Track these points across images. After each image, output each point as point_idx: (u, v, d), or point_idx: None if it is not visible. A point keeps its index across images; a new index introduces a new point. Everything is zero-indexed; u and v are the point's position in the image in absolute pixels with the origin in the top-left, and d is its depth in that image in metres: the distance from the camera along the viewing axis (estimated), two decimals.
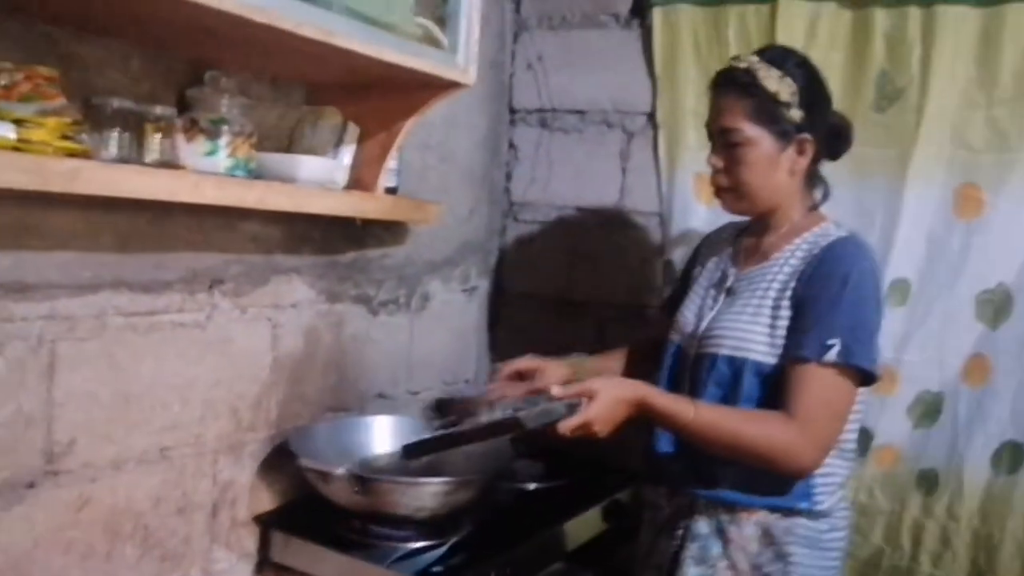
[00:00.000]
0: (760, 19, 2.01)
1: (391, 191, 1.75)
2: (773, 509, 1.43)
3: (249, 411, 1.63)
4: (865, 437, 1.93)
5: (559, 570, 1.74)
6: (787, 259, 1.46)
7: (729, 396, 1.43)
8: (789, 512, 1.43)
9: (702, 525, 1.48)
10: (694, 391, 1.48)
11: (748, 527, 1.44)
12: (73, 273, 1.28)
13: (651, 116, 2.16)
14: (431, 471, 1.58)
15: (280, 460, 1.66)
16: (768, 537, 1.43)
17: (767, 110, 1.42)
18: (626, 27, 2.19)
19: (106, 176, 1.10)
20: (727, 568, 1.45)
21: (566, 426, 1.30)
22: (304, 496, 1.66)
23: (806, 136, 1.45)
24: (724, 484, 1.44)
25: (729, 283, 1.54)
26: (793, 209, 1.50)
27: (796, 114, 1.43)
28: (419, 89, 1.54)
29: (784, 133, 1.44)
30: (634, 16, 2.18)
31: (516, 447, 1.70)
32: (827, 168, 1.92)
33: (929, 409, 1.90)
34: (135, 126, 1.26)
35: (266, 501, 1.69)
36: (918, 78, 1.86)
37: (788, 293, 1.42)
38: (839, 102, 1.92)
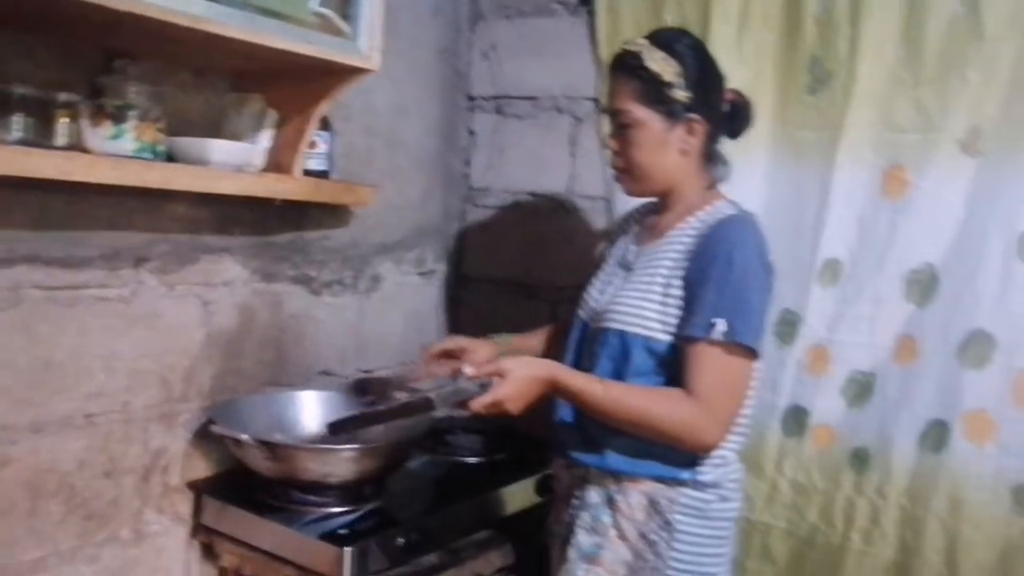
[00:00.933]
0: (697, 4, 2.04)
1: (321, 174, 1.83)
2: (658, 479, 1.47)
3: (180, 382, 1.72)
4: (802, 416, 1.96)
5: (482, 539, 1.80)
6: (679, 237, 1.50)
7: (620, 370, 1.47)
8: (673, 482, 1.47)
9: (593, 495, 1.52)
10: (591, 365, 1.53)
11: (635, 496, 1.48)
12: None
13: (597, 101, 2.20)
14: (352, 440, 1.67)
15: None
16: (654, 506, 1.47)
17: (653, 91, 1.46)
18: (574, 14, 2.23)
19: None
20: (616, 537, 1.49)
21: (478, 404, 1.36)
22: (237, 465, 1.75)
23: (695, 116, 1.48)
24: (612, 454, 1.48)
25: (629, 260, 1.58)
26: (689, 188, 1.54)
27: (682, 94, 1.46)
28: (326, 76, 1.62)
29: (671, 113, 1.47)
30: (582, 3, 2.22)
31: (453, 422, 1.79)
32: (763, 149, 1.98)
33: (861, 389, 1.91)
34: (41, 112, 1.36)
35: (201, 469, 1.78)
36: (847, 60, 1.87)
37: (680, 272, 1.46)
38: (773, 85, 1.97)
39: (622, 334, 1.48)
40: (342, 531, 1.57)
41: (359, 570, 1.53)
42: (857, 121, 1.86)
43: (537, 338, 1.85)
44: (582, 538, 1.52)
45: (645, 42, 1.48)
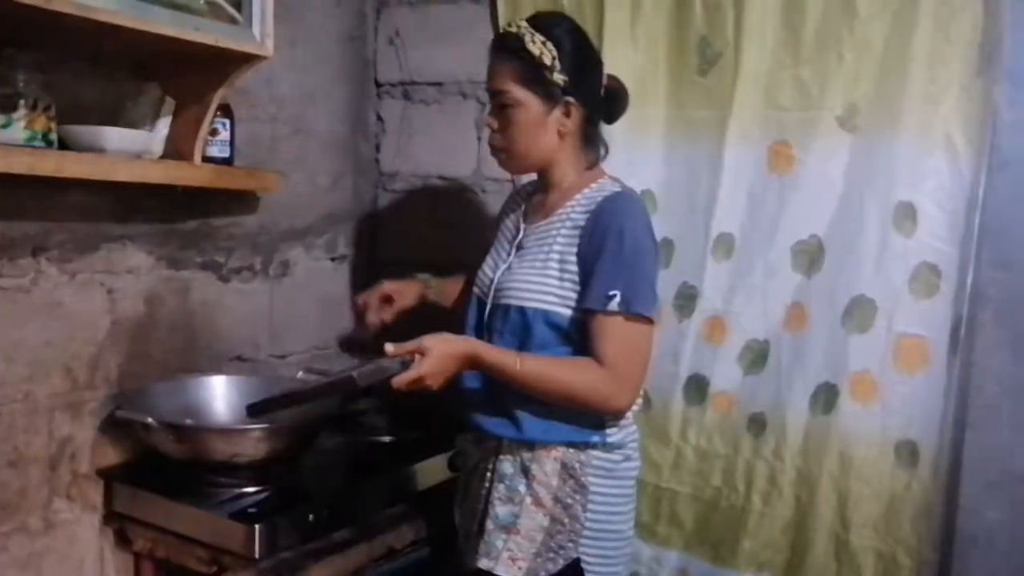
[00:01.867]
0: None
1: (224, 161, 1.84)
2: (570, 444, 1.54)
3: (85, 371, 1.73)
4: (702, 385, 2.04)
5: (395, 514, 1.84)
6: (568, 215, 1.57)
7: (523, 344, 1.54)
8: (584, 446, 1.55)
9: (507, 465, 1.58)
10: (491, 340, 1.59)
11: (549, 463, 1.55)
12: None
13: None
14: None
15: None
16: (567, 470, 1.54)
17: (532, 73, 1.52)
18: (476, 1, 2.27)
19: None
20: (532, 504, 1.55)
21: (400, 381, 1.41)
22: (149, 451, 1.76)
23: (571, 99, 1.55)
24: (525, 424, 1.54)
25: (519, 238, 1.64)
26: (569, 168, 1.61)
27: (560, 78, 1.53)
28: (221, 63, 1.64)
29: (550, 96, 1.54)
30: None
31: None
32: (658, 131, 2.04)
33: (757, 356, 2.00)
34: None
35: (111, 456, 1.79)
36: (732, 42, 1.95)
37: (574, 249, 1.53)
38: (665, 67, 2.04)
39: (522, 309, 1.54)
40: (252, 509, 1.60)
41: (269, 547, 1.56)
42: (744, 100, 1.94)
43: (456, 282, 1.94)
44: (499, 509, 1.56)
45: (526, 25, 1.54)
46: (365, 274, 2.45)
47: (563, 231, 1.55)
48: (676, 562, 2.08)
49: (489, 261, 1.68)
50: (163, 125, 1.69)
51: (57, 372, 1.67)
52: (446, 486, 1.93)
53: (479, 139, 2.31)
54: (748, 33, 1.92)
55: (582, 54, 1.57)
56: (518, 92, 1.52)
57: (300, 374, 1.95)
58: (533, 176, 1.71)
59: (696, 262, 2.01)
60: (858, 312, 1.87)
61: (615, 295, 1.45)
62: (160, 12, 1.43)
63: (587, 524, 1.54)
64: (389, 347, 1.44)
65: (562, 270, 1.52)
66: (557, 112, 1.54)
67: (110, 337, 1.76)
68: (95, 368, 1.74)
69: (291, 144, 2.16)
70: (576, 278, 1.52)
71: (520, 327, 1.54)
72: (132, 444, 1.81)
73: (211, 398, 1.87)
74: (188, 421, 1.68)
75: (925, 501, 1.83)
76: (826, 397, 1.91)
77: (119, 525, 1.77)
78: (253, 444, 1.62)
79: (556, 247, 1.54)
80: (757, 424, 2.00)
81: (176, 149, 1.71)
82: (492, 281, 1.63)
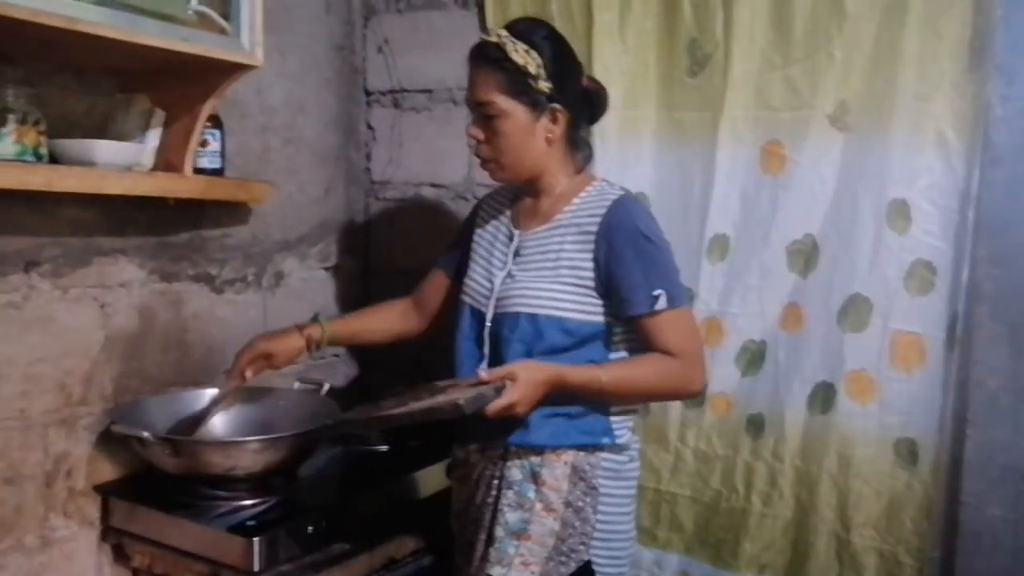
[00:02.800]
0: None
1: (215, 172, 1.83)
2: (580, 447, 1.55)
3: (80, 386, 1.71)
4: None
5: (394, 523, 1.83)
6: (571, 220, 1.57)
7: (532, 351, 1.54)
8: (595, 448, 1.56)
9: (515, 472, 1.57)
10: (497, 348, 1.58)
11: (559, 467, 1.54)
12: None
13: None
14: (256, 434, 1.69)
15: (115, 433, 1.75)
16: (578, 473, 1.54)
17: (517, 83, 1.51)
18: (464, 7, 2.27)
19: None
20: (543, 509, 1.54)
21: (493, 408, 1.39)
22: (145, 466, 1.75)
23: (557, 106, 1.55)
24: (535, 430, 1.54)
25: (515, 245, 1.63)
26: (559, 173, 1.61)
27: (545, 85, 1.52)
28: (211, 73, 1.63)
29: (536, 103, 1.53)
30: None
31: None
32: (649, 133, 2.04)
33: (754, 357, 1.99)
34: None
35: (107, 471, 1.78)
36: (722, 43, 1.94)
37: (588, 255, 1.53)
38: (655, 69, 2.04)
39: (534, 317, 1.53)
40: (250, 522, 1.59)
41: (269, 560, 1.55)
42: (735, 101, 1.94)
43: (360, 320, 1.90)
44: (509, 515, 1.55)
45: (506, 33, 1.53)
46: (358, 283, 2.45)
47: (569, 237, 1.55)
48: (677, 565, 2.07)
49: (479, 269, 1.67)
50: (153, 137, 1.68)
51: (51, 388, 1.66)
52: (444, 495, 1.92)
53: (469, 146, 2.30)
54: (737, 34, 1.92)
55: (565, 59, 1.57)
56: (504, 103, 1.52)
57: (296, 384, 1.93)
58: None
59: (691, 264, 2.00)
60: (854, 310, 1.87)
61: (660, 294, 1.49)
62: (147, 23, 1.42)
63: (597, 526, 1.54)
64: (483, 373, 1.43)
65: (575, 276, 1.53)
66: (544, 119, 1.54)
67: (104, 352, 1.75)
68: (89, 383, 1.73)
69: (282, 154, 2.16)
70: (591, 283, 1.53)
71: (531, 334, 1.54)
72: (128, 459, 1.80)
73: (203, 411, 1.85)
74: (151, 432, 1.64)
75: (926, 499, 1.82)
76: (824, 396, 1.91)
77: (117, 541, 1.76)
78: (250, 457, 1.61)
79: (565, 253, 1.54)
80: (755, 425, 2.00)
81: (167, 161, 1.70)
82: (491, 290, 1.61)
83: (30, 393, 1.62)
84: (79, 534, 1.73)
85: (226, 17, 1.56)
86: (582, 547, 1.53)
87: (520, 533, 1.52)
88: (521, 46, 1.50)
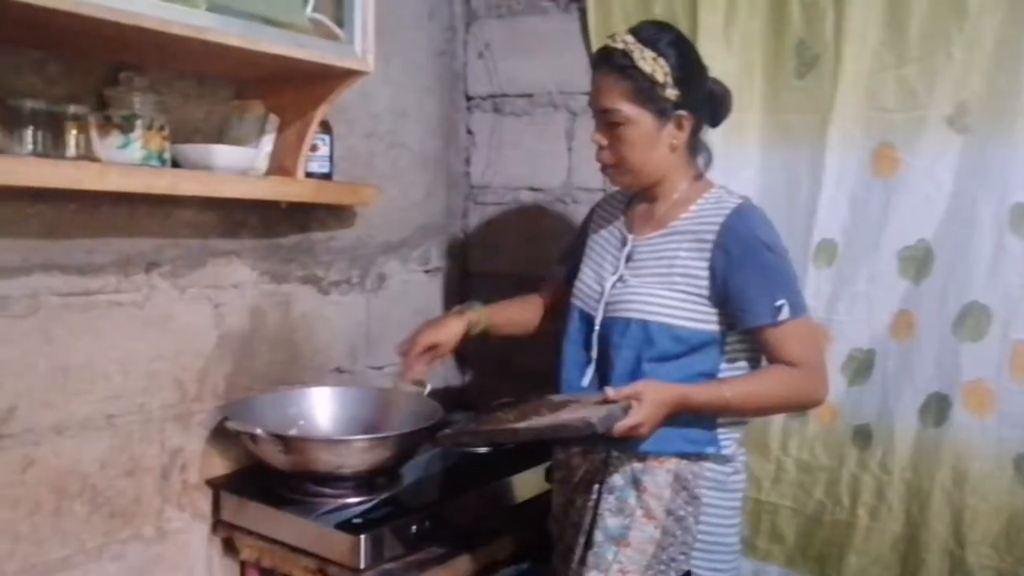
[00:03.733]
0: None
1: (324, 176, 1.88)
2: (683, 455, 1.53)
3: (195, 383, 1.78)
4: None
5: (494, 526, 1.84)
6: (687, 226, 1.55)
7: (642, 357, 1.52)
8: (698, 457, 1.53)
9: (617, 478, 1.56)
10: (606, 353, 1.57)
11: (661, 475, 1.53)
12: (3, 257, 1.45)
13: None
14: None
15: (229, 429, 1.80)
16: (680, 482, 1.53)
17: (645, 91, 1.49)
18: (565, 11, 2.27)
19: (5, 168, 1.25)
20: (643, 516, 1.52)
21: (620, 427, 1.36)
22: (254, 462, 1.80)
23: (683, 112, 1.52)
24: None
25: (628, 250, 1.62)
26: (680, 178, 1.59)
27: (672, 93, 1.49)
28: (324, 79, 1.67)
29: (662, 111, 1.51)
30: (572, 0, 2.26)
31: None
32: (755, 136, 2.01)
33: (861, 366, 1.94)
34: (52, 125, 1.42)
35: (219, 466, 1.84)
36: (832, 43, 1.90)
37: (704, 263, 1.50)
38: (761, 71, 2.00)
39: (645, 323, 1.52)
40: (356, 520, 1.62)
41: (374, 557, 1.58)
42: (845, 102, 1.89)
43: (508, 307, 1.89)
44: (609, 521, 1.54)
45: (632, 39, 1.50)
46: (458, 286, 2.47)
47: (685, 243, 1.53)
48: None
49: (590, 273, 1.66)
50: (267, 142, 1.73)
51: (168, 384, 1.72)
52: (543, 499, 1.92)
53: (569, 149, 2.31)
54: (849, 34, 1.87)
55: (692, 65, 1.54)
56: (630, 110, 1.49)
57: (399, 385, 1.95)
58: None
59: (796, 270, 1.95)
60: (972, 319, 1.80)
61: (782, 304, 1.47)
62: (267, 31, 1.46)
63: (699, 537, 1.52)
64: (610, 391, 1.40)
65: (689, 284, 1.51)
66: (670, 126, 1.52)
67: (217, 350, 1.81)
68: (203, 381, 1.79)
69: (386, 159, 2.20)
70: (706, 292, 1.50)
71: (641, 341, 1.52)
72: (238, 455, 1.85)
73: (314, 409, 1.90)
74: (294, 432, 1.71)
75: None
76: (937, 408, 1.84)
77: (227, 534, 1.81)
78: (357, 455, 1.64)
79: (679, 260, 1.52)
80: (862, 436, 1.94)
81: (279, 165, 1.75)
82: (602, 294, 1.60)
83: (150, 389, 1.69)
84: (192, 526, 1.79)
85: (339, 24, 1.59)
86: (682, 557, 1.51)
87: (619, 539, 1.51)
88: (648, 53, 1.47)
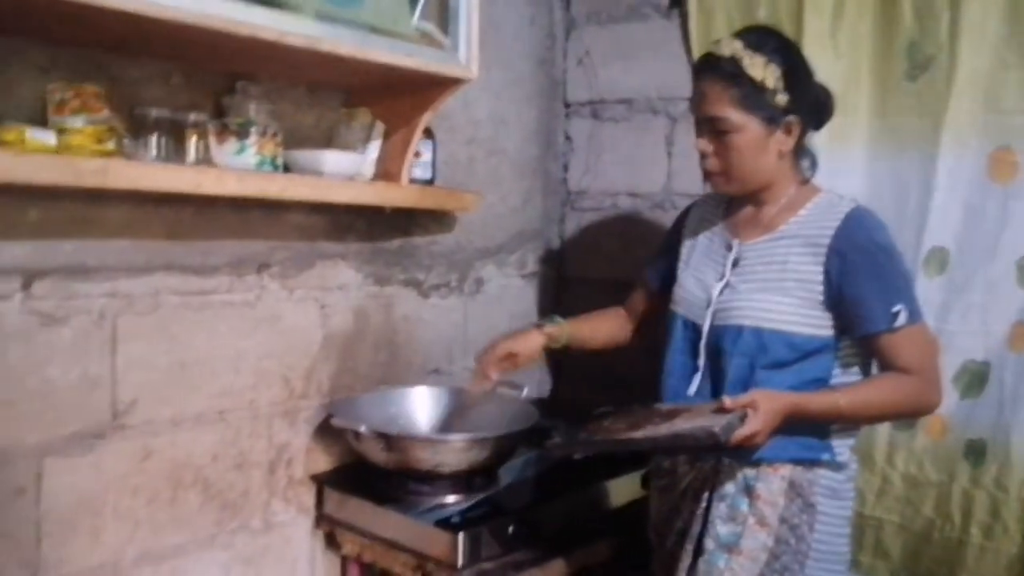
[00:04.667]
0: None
1: (427, 182, 1.92)
2: (798, 462, 1.50)
3: (301, 381, 1.84)
4: None
5: (589, 530, 1.84)
6: (798, 230, 1.52)
7: (755, 364, 1.49)
8: (813, 464, 1.50)
9: (728, 485, 1.53)
10: (716, 361, 1.55)
11: (775, 482, 1.50)
12: (128, 258, 1.53)
13: None
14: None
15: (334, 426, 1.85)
16: (794, 489, 1.49)
17: (754, 97, 1.46)
18: (666, 17, 2.27)
19: (134, 172, 1.33)
20: (756, 523, 1.50)
21: (737, 436, 1.35)
22: (356, 459, 1.84)
23: (792, 118, 1.49)
24: None
25: (734, 255, 1.59)
26: (786, 183, 1.56)
27: (782, 98, 1.47)
28: (429, 87, 1.71)
29: (771, 118, 1.48)
30: (673, 6, 2.25)
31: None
32: (861, 141, 1.96)
33: (975, 379, 1.87)
34: (174, 132, 1.49)
35: (322, 462, 1.89)
36: (947, 45, 1.84)
37: (819, 268, 1.47)
38: (869, 74, 1.96)
39: (759, 330, 1.49)
40: (455, 518, 1.64)
41: (471, 556, 1.60)
42: (960, 105, 1.83)
43: (591, 323, 1.87)
44: (720, 528, 1.52)
45: (739, 45, 1.47)
46: (553, 291, 2.48)
47: (796, 248, 1.50)
48: None
49: (692, 279, 1.64)
50: (373, 148, 1.78)
51: (276, 382, 1.79)
52: (637, 505, 1.91)
53: (669, 154, 2.30)
54: (966, 33, 1.81)
55: (800, 70, 1.50)
56: (738, 118, 1.46)
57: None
58: None
59: None
60: None
61: (899, 310, 1.44)
62: (377, 41, 1.51)
63: (814, 546, 1.48)
64: (727, 400, 1.38)
65: (803, 289, 1.48)
66: (778, 133, 1.49)
67: (323, 350, 1.87)
68: (309, 378, 1.85)
69: (485, 165, 2.23)
70: (820, 297, 1.47)
71: (754, 348, 1.49)
72: (341, 451, 1.90)
73: (414, 409, 1.94)
74: (396, 431, 1.75)
75: None
76: None
77: (329, 528, 1.86)
78: (458, 455, 1.67)
79: (792, 265, 1.49)
80: (976, 451, 1.87)
81: (385, 171, 1.80)
82: (709, 301, 1.58)
83: (258, 386, 1.75)
84: (296, 520, 1.85)
85: (444, 32, 1.63)
86: (796, 566, 1.47)
87: (731, 547, 1.49)
88: (758, 59, 1.45)
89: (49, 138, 1.27)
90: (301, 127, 1.78)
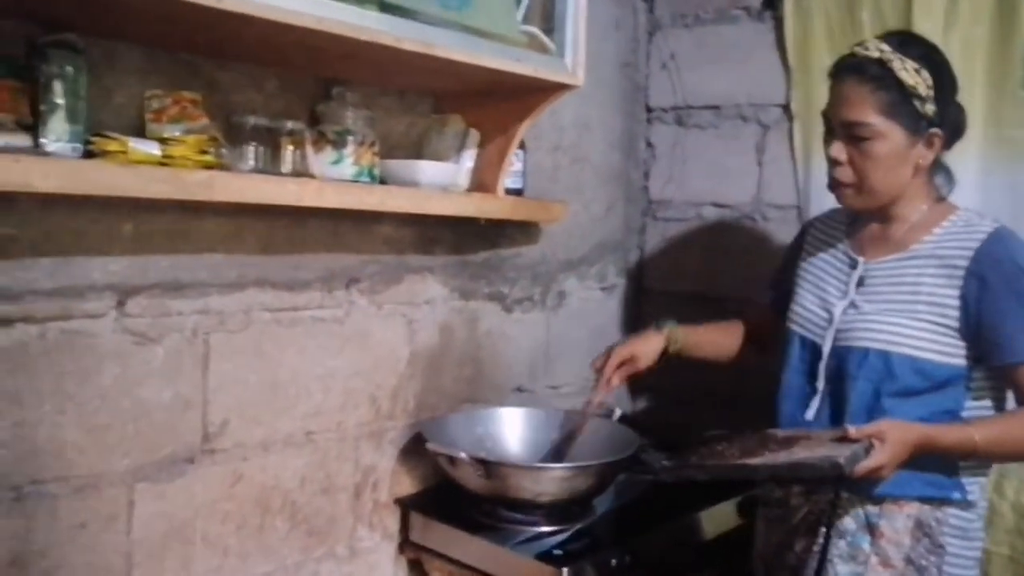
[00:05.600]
0: (896, 1, 1.94)
1: (516, 192, 1.83)
2: (925, 500, 1.41)
3: (388, 401, 1.75)
4: None
5: (688, 561, 1.75)
6: (932, 250, 1.42)
7: (881, 390, 1.41)
8: (942, 503, 1.41)
9: (848, 521, 1.45)
10: (839, 383, 1.46)
11: (900, 520, 1.41)
12: (221, 273, 1.45)
13: (786, 108, 2.13)
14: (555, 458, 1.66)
15: (419, 447, 1.76)
16: (921, 529, 1.40)
17: (901, 105, 1.36)
18: (758, 19, 2.17)
19: (238, 185, 1.25)
20: (879, 564, 1.41)
21: (861, 468, 1.27)
22: (442, 482, 1.76)
23: (936, 131, 1.39)
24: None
25: (859, 273, 1.49)
26: (920, 200, 1.46)
27: (930, 108, 1.37)
28: (531, 93, 1.62)
29: (916, 128, 1.38)
30: (766, 8, 2.16)
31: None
32: (975, 152, 1.85)
33: None
34: (270, 140, 1.42)
35: (407, 485, 1.81)
36: None
37: (955, 292, 1.38)
38: (984, 81, 1.85)
39: (886, 355, 1.40)
40: (557, 551, 1.55)
41: None
42: None
43: (706, 330, 1.78)
44: (840, 568, 1.43)
45: (889, 48, 1.37)
46: (633, 304, 2.39)
47: (929, 269, 1.40)
48: None
49: (811, 297, 1.54)
50: (468, 157, 1.70)
51: (364, 402, 1.71)
52: (735, 533, 1.82)
53: (760, 164, 2.20)
54: None
55: (948, 80, 1.41)
56: (882, 124, 1.36)
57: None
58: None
59: None
60: None
61: None
62: (488, 45, 1.42)
63: None
64: (852, 430, 1.30)
65: (936, 314, 1.38)
66: (920, 145, 1.39)
67: (409, 367, 1.79)
68: (396, 398, 1.77)
69: (569, 173, 2.14)
70: (955, 323, 1.38)
71: (880, 373, 1.40)
72: (425, 473, 1.82)
73: (502, 430, 1.85)
74: (493, 455, 1.66)
75: None
76: None
77: (415, 555, 1.78)
78: (559, 484, 1.58)
79: (925, 287, 1.40)
80: None
81: (478, 181, 1.71)
82: (831, 320, 1.49)
83: (346, 406, 1.67)
84: (380, 546, 1.77)
85: (550, 35, 1.54)
86: None
87: None
88: (911, 64, 1.35)
89: (153, 149, 1.20)
90: (392, 134, 1.70)
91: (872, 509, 1.42)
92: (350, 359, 1.67)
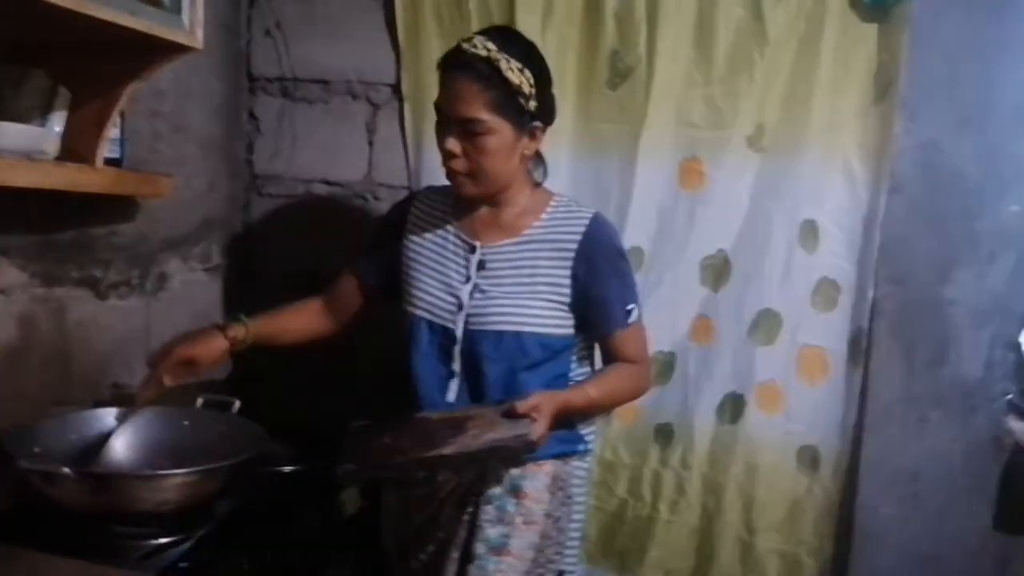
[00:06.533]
0: None
1: (115, 163, 1.60)
2: (558, 456, 1.55)
3: None
4: None
5: (321, 551, 1.70)
6: (543, 235, 1.55)
7: (515, 366, 1.51)
8: (571, 456, 1.57)
9: (495, 488, 1.52)
10: (475, 364, 1.52)
11: (540, 478, 1.53)
12: None
13: (396, 88, 2.13)
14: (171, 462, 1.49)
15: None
16: (556, 483, 1.54)
17: (509, 102, 1.45)
18: None
19: None
20: (523, 523, 1.51)
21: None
22: (30, 501, 1.48)
23: (538, 124, 1.52)
24: None
25: (478, 258, 1.56)
26: (523, 186, 1.59)
27: (533, 104, 1.49)
28: (140, 51, 1.41)
29: (522, 123, 1.49)
30: None
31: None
32: (566, 143, 2.01)
33: (663, 368, 2.04)
34: None
35: None
36: (645, 58, 1.96)
37: (566, 272, 1.52)
38: (575, 78, 2.02)
39: (519, 335, 1.51)
40: (183, 564, 1.40)
41: None
42: (656, 116, 1.97)
43: (283, 317, 1.72)
44: (489, 531, 1.50)
45: (495, 48, 1.44)
46: (238, 285, 2.24)
47: (544, 252, 1.53)
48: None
49: (434, 282, 1.57)
50: (57, 120, 1.43)
51: None
52: (360, 518, 1.82)
53: (371, 143, 2.18)
54: (661, 50, 1.94)
55: (546, 77, 1.53)
56: (493, 121, 1.44)
57: (199, 402, 1.72)
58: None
59: None
60: (764, 324, 1.97)
61: (632, 308, 1.57)
62: None
63: (570, 534, 1.57)
64: (519, 405, 1.40)
65: (553, 292, 1.53)
66: (525, 138, 1.51)
67: None
68: None
69: (170, 143, 1.92)
70: (567, 299, 1.53)
71: (516, 352, 1.51)
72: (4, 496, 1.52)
73: (101, 433, 1.61)
74: (101, 467, 1.43)
75: (826, 502, 1.96)
76: (733, 406, 2.00)
77: None
78: (185, 490, 1.42)
79: (541, 269, 1.53)
80: (664, 434, 2.05)
81: (71, 149, 1.45)
82: (460, 306, 1.53)
83: None
84: None
85: None
86: (558, 557, 1.54)
87: (501, 548, 1.48)
88: (515, 64, 1.44)
89: None
90: None
91: (516, 473, 1.52)
92: None
